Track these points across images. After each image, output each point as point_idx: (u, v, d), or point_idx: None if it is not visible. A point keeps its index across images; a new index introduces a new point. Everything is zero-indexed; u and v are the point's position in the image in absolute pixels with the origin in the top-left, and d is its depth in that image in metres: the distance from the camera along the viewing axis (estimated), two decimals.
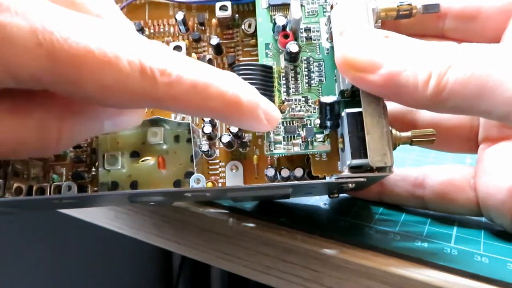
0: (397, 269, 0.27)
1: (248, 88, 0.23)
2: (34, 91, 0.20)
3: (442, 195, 0.32)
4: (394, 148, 0.26)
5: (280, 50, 0.30)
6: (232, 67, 0.29)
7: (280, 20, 0.29)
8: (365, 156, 0.25)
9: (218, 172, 0.31)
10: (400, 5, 0.28)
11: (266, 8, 0.31)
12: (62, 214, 0.42)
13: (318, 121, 0.29)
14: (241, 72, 0.28)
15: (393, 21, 0.30)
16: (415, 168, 0.34)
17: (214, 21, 0.33)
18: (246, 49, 0.33)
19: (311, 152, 0.29)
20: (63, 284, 0.79)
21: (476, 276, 0.25)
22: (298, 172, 0.30)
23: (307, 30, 0.30)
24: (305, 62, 0.30)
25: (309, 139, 0.29)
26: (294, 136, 0.29)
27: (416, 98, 0.24)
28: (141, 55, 0.20)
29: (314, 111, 0.29)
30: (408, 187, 0.33)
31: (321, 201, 0.36)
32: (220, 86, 0.21)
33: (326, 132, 0.29)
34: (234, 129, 0.30)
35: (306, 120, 0.29)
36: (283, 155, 0.30)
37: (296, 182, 0.29)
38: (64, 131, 0.22)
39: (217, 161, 0.32)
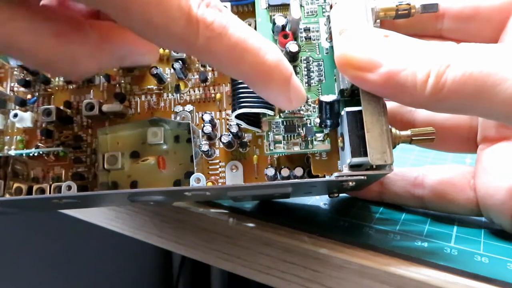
0: (397, 269, 0.27)
1: (283, 66, 0.24)
2: (76, 24, 0.22)
3: (442, 195, 0.32)
4: (394, 147, 0.26)
5: (280, 50, 0.30)
6: None
7: (280, 20, 0.29)
8: (365, 155, 0.25)
9: (218, 172, 0.31)
10: (399, 4, 0.28)
11: (266, 8, 0.31)
12: (62, 214, 0.42)
13: (318, 120, 0.29)
14: None
15: (392, 21, 0.30)
16: (415, 168, 0.34)
17: None
18: None
19: (311, 151, 0.29)
20: (63, 284, 0.80)
21: (476, 276, 0.25)
22: (298, 171, 0.30)
23: (307, 30, 0.30)
24: (305, 61, 0.30)
25: (309, 138, 0.29)
26: (294, 136, 0.29)
27: (414, 98, 0.24)
28: (193, 3, 0.20)
29: (314, 110, 0.29)
30: (407, 187, 0.33)
31: (321, 201, 0.36)
32: (257, 56, 0.22)
33: (326, 131, 0.29)
34: (234, 129, 0.30)
35: (306, 119, 0.29)
36: (283, 154, 0.30)
37: (296, 180, 0.29)
38: (91, 63, 0.23)
39: (217, 161, 0.32)
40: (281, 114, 0.29)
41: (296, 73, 0.30)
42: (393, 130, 0.26)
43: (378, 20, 0.28)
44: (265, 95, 0.25)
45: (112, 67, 0.27)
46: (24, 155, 0.32)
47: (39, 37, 0.21)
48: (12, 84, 0.34)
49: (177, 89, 0.33)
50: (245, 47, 0.22)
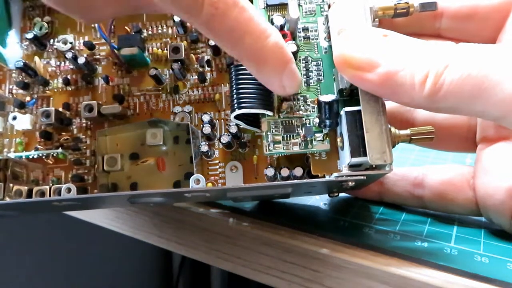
0: (397, 269, 0.27)
1: (281, 53, 0.25)
2: None
3: (441, 195, 0.31)
4: (393, 146, 0.26)
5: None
6: (230, 67, 0.29)
7: (278, 20, 0.29)
8: (365, 154, 0.25)
9: (217, 172, 0.31)
10: (398, 3, 0.28)
11: (264, 8, 0.31)
12: (62, 214, 0.42)
13: (317, 120, 0.29)
14: (239, 72, 0.28)
15: (391, 20, 0.29)
16: (415, 167, 0.34)
17: None
18: None
19: (310, 151, 0.29)
20: (63, 284, 0.80)
21: (476, 276, 0.25)
22: (298, 171, 0.30)
23: (305, 29, 0.30)
24: (303, 61, 0.30)
25: (308, 138, 0.29)
26: (293, 136, 0.29)
27: (412, 98, 0.24)
28: None
29: (313, 110, 0.29)
30: (407, 186, 0.33)
31: (321, 201, 0.36)
32: (257, 40, 0.23)
33: (325, 131, 0.29)
34: (233, 130, 0.30)
35: (305, 119, 0.29)
36: (283, 154, 0.30)
37: (295, 181, 0.29)
38: (106, 11, 0.25)
39: (217, 161, 0.32)
40: (280, 115, 0.29)
41: None
42: (393, 129, 0.26)
43: (377, 19, 0.28)
44: (258, 77, 0.26)
45: (127, 14, 0.29)
46: (23, 157, 0.32)
47: None
48: (11, 87, 0.34)
49: (176, 89, 0.33)
50: (247, 29, 0.23)
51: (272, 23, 0.29)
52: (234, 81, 0.28)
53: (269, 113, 0.28)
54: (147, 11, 0.29)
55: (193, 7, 0.22)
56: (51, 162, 0.33)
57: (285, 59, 0.25)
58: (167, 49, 0.33)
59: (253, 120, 0.29)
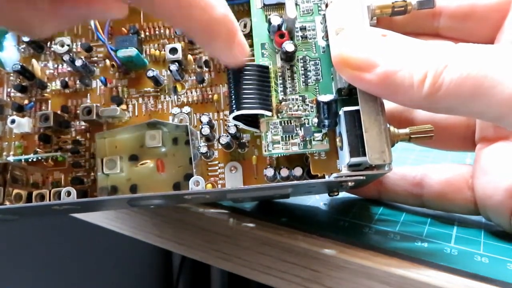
0: (397, 269, 0.27)
1: (230, 22, 0.24)
2: None
3: (440, 195, 0.32)
4: (393, 145, 0.26)
5: (276, 50, 0.30)
6: (228, 67, 0.29)
7: (275, 20, 0.29)
8: (364, 154, 0.25)
9: (217, 173, 0.31)
10: (395, 1, 0.28)
11: (261, 8, 0.30)
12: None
13: (316, 120, 0.29)
14: (237, 72, 0.28)
15: (389, 19, 0.29)
16: (414, 167, 0.34)
17: None
18: None
19: (309, 151, 0.29)
20: (63, 284, 0.80)
21: (476, 276, 0.25)
22: (298, 171, 0.30)
23: (303, 29, 0.30)
24: (301, 61, 0.30)
25: (307, 138, 0.29)
26: (292, 136, 0.29)
27: (411, 98, 0.23)
28: None
29: (312, 110, 0.29)
30: (407, 186, 0.33)
31: (321, 201, 0.36)
32: (204, 11, 0.23)
33: (324, 130, 0.29)
34: (232, 130, 0.30)
35: (304, 119, 0.29)
36: (282, 155, 0.30)
37: (295, 182, 0.29)
38: (47, 27, 0.23)
39: (216, 162, 0.32)
40: (279, 115, 0.29)
41: (293, 73, 0.30)
42: (392, 128, 0.26)
43: (375, 18, 0.28)
44: (209, 51, 0.26)
45: (75, 24, 0.29)
46: (22, 160, 0.32)
47: None
48: (9, 90, 0.34)
49: (174, 91, 0.33)
50: (193, 2, 0.22)
51: (270, 22, 0.29)
52: (232, 82, 0.28)
53: (268, 113, 0.28)
54: (99, 17, 0.28)
55: None
56: (50, 165, 0.33)
57: (235, 28, 0.25)
58: (164, 50, 0.32)
59: (252, 121, 0.29)
